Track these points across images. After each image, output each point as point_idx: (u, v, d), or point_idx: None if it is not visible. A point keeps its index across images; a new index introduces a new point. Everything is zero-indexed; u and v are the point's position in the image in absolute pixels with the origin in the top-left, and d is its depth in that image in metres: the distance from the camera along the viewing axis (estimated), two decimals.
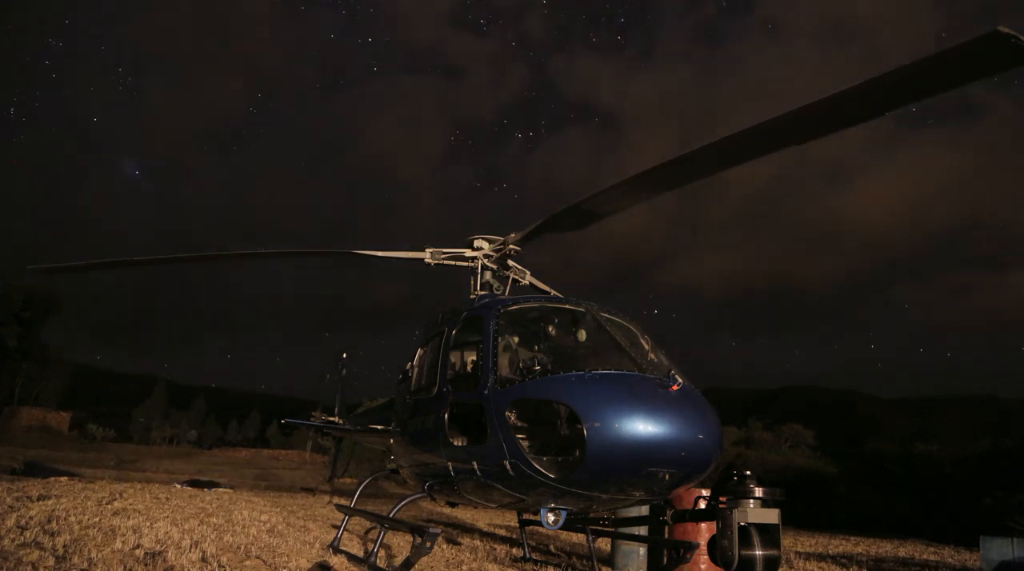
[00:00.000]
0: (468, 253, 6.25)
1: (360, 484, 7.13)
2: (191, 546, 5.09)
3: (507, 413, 4.14)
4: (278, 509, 10.38)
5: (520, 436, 4.20)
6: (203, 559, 4.78)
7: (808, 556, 9.60)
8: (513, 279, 6.31)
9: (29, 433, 46.98)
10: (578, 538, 9.50)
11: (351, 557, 5.77)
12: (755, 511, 3.81)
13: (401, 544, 7.51)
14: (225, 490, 15.26)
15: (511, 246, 5.99)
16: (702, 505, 4.45)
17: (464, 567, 6.23)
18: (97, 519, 5.95)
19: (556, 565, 6.76)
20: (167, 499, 9.37)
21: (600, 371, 3.97)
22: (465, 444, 4.61)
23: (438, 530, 4.31)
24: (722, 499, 4.02)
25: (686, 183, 4.53)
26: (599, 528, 6.09)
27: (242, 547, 5.57)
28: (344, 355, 10.49)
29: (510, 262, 6.17)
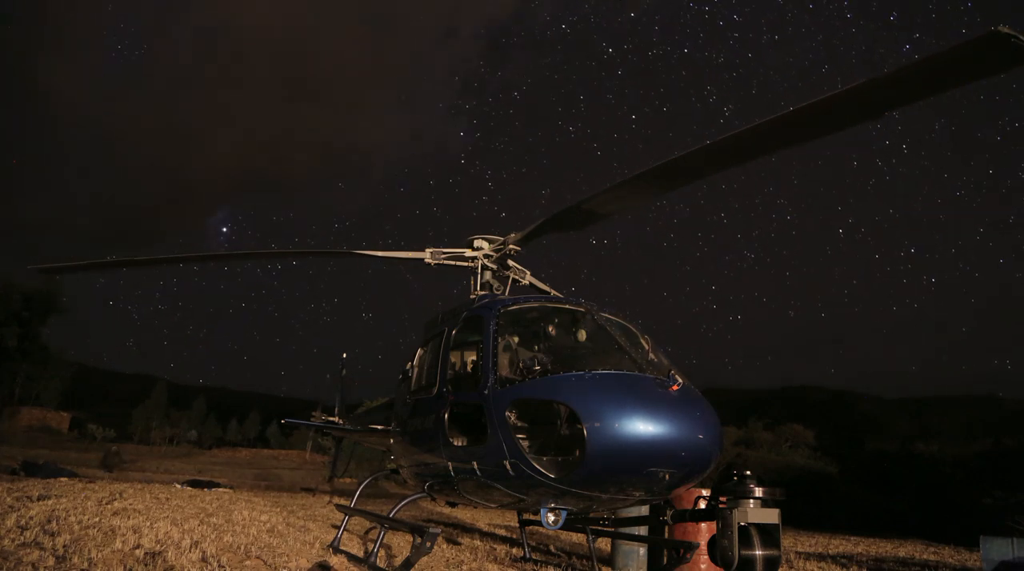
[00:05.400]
0: (468, 253, 6.26)
1: (360, 484, 7.13)
2: (191, 546, 5.09)
3: (507, 413, 4.13)
4: (278, 509, 10.37)
5: (520, 436, 4.20)
6: (203, 559, 4.78)
7: (808, 556, 9.60)
8: (513, 279, 6.31)
9: (29, 433, 46.95)
10: (578, 538, 9.50)
11: (351, 557, 5.77)
12: (755, 511, 3.80)
13: (401, 544, 7.51)
14: (225, 490, 15.25)
15: (511, 246, 6.00)
16: (702, 505, 4.44)
17: (464, 567, 6.23)
18: (97, 519, 5.95)
19: (556, 565, 6.76)
20: (167, 499, 9.37)
21: (600, 371, 3.96)
22: (465, 444, 4.61)
23: (438, 530, 4.31)
24: (722, 499, 4.02)
25: (686, 183, 4.54)
26: (599, 528, 6.09)
27: (242, 547, 5.57)
28: (344, 355, 10.51)
29: (510, 262, 6.17)
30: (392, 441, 6.26)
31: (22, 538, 4.80)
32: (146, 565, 4.40)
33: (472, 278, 6.18)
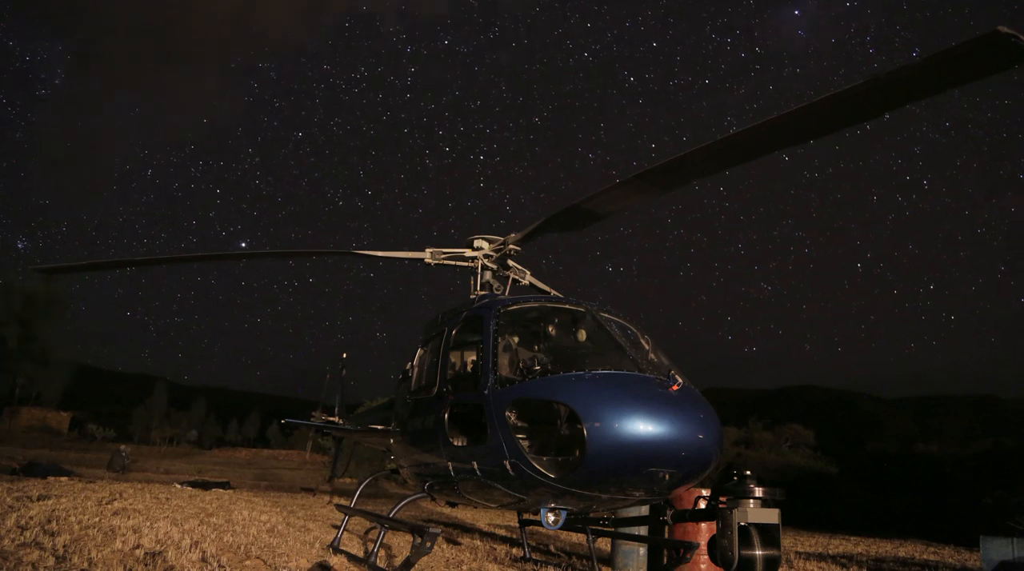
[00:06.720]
0: (468, 253, 6.26)
1: (360, 484, 7.13)
2: (191, 546, 5.10)
3: (507, 413, 4.13)
4: (278, 509, 10.38)
5: (520, 436, 4.20)
6: (203, 559, 4.78)
7: (808, 556, 9.60)
8: (513, 279, 6.31)
9: (29, 433, 46.97)
10: (578, 538, 9.50)
11: (351, 557, 5.77)
12: (755, 511, 3.80)
13: (401, 544, 7.51)
14: (226, 490, 15.27)
15: (511, 246, 6.00)
16: (702, 505, 4.45)
17: (464, 567, 6.23)
18: (97, 519, 5.95)
19: (556, 565, 6.76)
20: (167, 499, 9.37)
21: (600, 371, 3.96)
22: (465, 444, 4.61)
23: (438, 530, 4.31)
24: (722, 499, 4.02)
25: (686, 183, 4.55)
26: (599, 528, 6.09)
27: (242, 547, 5.57)
28: (344, 355, 10.50)
29: (510, 262, 6.18)
30: (392, 441, 6.26)
31: (22, 538, 4.80)
32: (146, 565, 4.40)
33: (472, 278, 6.19)
